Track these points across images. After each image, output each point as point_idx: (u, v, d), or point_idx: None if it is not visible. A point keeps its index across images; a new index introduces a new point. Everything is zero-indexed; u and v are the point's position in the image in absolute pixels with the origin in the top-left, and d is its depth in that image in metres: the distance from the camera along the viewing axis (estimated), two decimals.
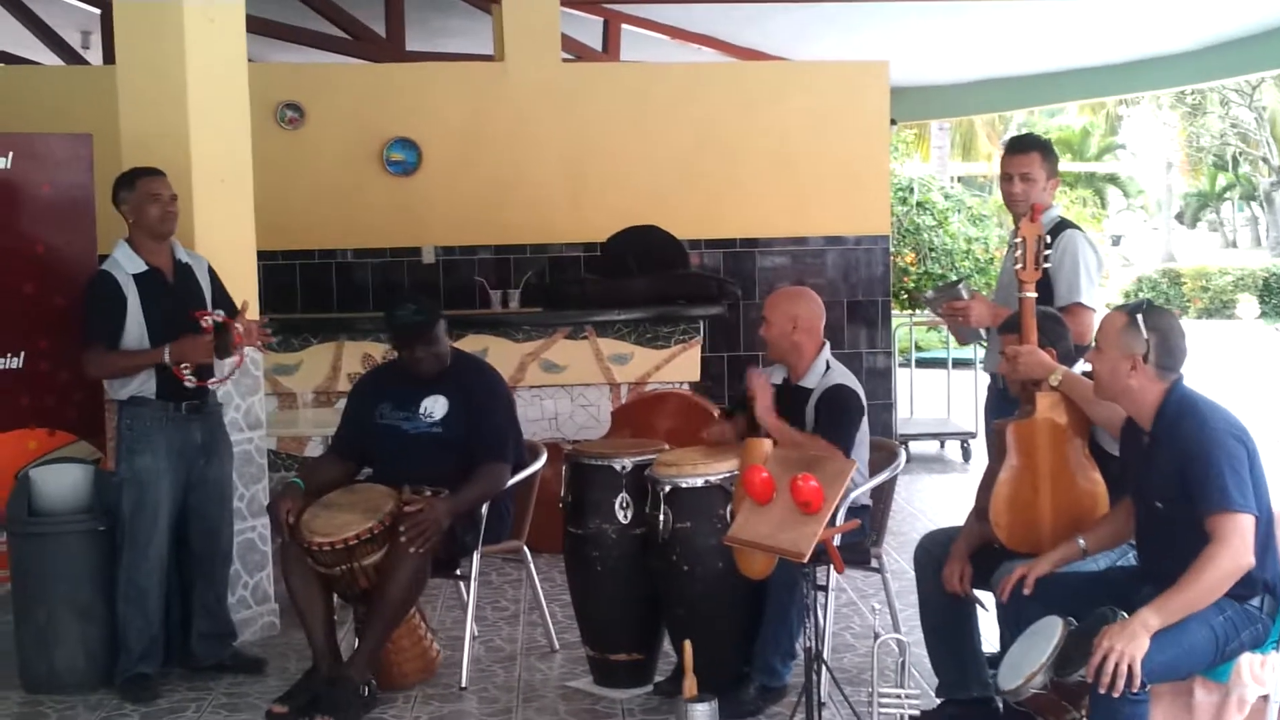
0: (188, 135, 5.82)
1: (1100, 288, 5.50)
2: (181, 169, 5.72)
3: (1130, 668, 3.64)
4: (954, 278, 14.12)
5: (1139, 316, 4.00)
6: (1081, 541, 4.25)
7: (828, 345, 5.38)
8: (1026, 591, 4.13)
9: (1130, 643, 3.68)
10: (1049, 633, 3.94)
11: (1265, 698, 3.88)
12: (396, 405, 5.49)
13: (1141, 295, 24.67)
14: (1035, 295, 4.59)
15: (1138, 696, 3.73)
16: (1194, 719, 3.97)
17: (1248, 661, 3.87)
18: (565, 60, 10.48)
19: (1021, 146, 5.45)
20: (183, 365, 5.30)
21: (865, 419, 5.29)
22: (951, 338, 10.69)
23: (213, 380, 5.49)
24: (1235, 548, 3.75)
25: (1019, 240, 4.66)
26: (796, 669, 4.93)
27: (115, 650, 5.43)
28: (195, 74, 5.85)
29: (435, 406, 5.46)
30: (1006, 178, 5.40)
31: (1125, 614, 3.85)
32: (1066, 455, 4.43)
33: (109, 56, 9.24)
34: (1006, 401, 4.85)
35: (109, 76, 6.10)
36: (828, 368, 5.32)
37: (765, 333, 5.39)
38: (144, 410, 5.41)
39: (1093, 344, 5.07)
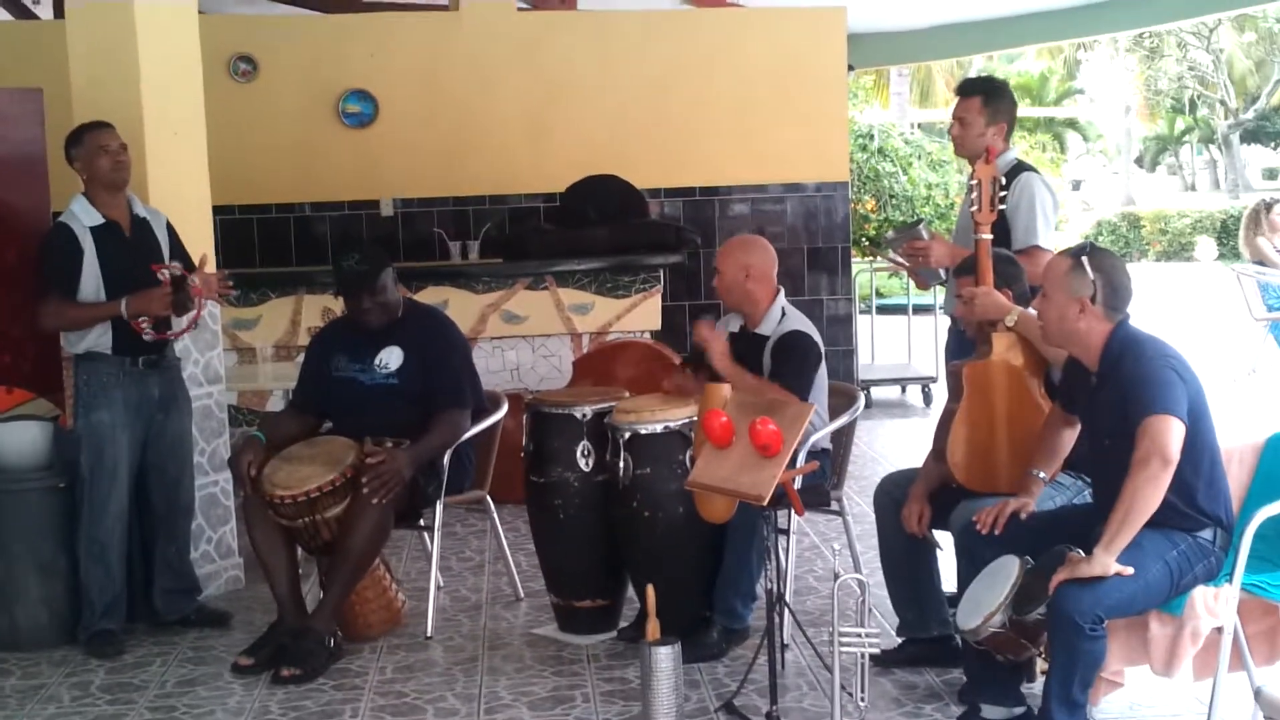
0: (139, 88, 5.77)
1: (1057, 230, 5.54)
2: (133, 122, 5.67)
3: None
4: (914, 219, 14.15)
5: (1084, 259, 4.04)
6: (1042, 474, 4.30)
7: (782, 292, 5.39)
8: (998, 532, 4.17)
9: (1080, 563, 3.81)
10: (1006, 572, 3.98)
11: (1219, 630, 3.93)
12: (352, 358, 5.48)
13: (1101, 239, 24.82)
14: (991, 237, 4.62)
15: (1095, 632, 3.79)
16: (1149, 652, 4.03)
17: (1201, 595, 3.92)
18: (521, 9, 10.41)
19: (961, 90, 5.53)
20: (140, 318, 5.27)
21: (824, 364, 5.31)
22: (912, 283, 10.77)
23: (171, 333, 5.47)
24: (1153, 450, 3.80)
25: (975, 183, 4.68)
26: (759, 611, 4.97)
27: (78, 607, 5.43)
28: (145, 26, 5.79)
29: (390, 358, 5.44)
30: (952, 119, 5.46)
31: (1081, 551, 3.91)
32: (1022, 395, 4.47)
33: (59, 11, 9.12)
34: (966, 344, 4.88)
35: (59, 31, 6.04)
36: (783, 315, 5.33)
37: (718, 283, 5.40)
38: (100, 365, 5.39)
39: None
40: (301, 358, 5.94)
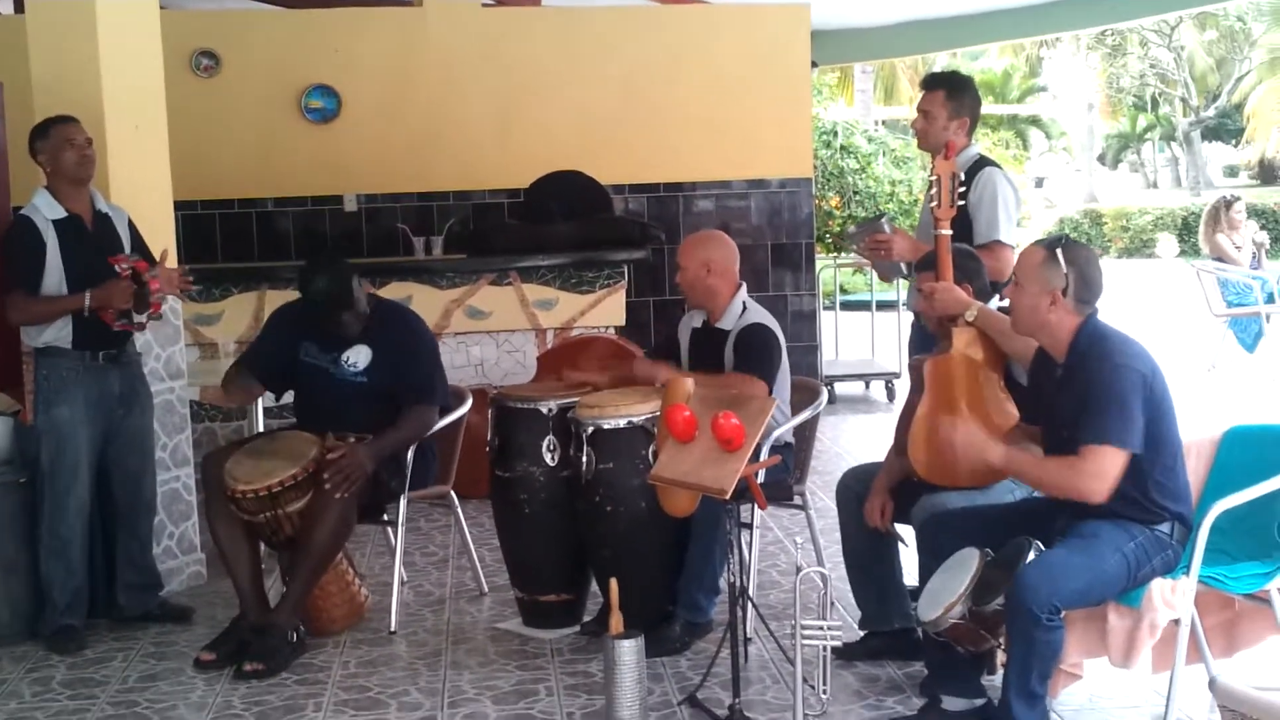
0: (99, 83, 5.74)
1: (1019, 226, 5.58)
2: (94, 116, 5.64)
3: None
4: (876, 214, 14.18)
5: (1058, 251, 4.06)
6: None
7: (744, 287, 5.41)
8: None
9: (981, 446, 4.04)
10: (966, 564, 4.01)
11: (1176, 622, 3.96)
12: (322, 348, 5.46)
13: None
14: (950, 233, 4.64)
15: (1052, 623, 3.82)
16: (1108, 644, 4.06)
17: (1159, 587, 3.95)
18: (486, 5, 10.40)
19: (926, 84, 5.59)
20: (106, 310, 5.25)
21: (785, 358, 5.34)
22: (875, 279, 10.82)
23: (137, 321, 5.43)
24: (1088, 475, 3.89)
25: (934, 178, 4.71)
26: (721, 605, 4.99)
27: (40, 603, 5.41)
28: (106, 21, 5.76)
29: (358, 356, 5.43)
30: (916, 113, 5.50)
31: (1041, 544, 3.94)
32: (982, 389, 4.49)
33: (19, 5, 9.06)
34: (929, 339, 4.90)
35: (19, 25, 6.00)
36: (744, 309, 5.35)
37: (680, 279, 5.42)
38: (60, 361, 5.36)
39: (1008, 279, 5.17)
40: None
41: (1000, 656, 4.21)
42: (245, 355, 5.74)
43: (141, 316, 5.40)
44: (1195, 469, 4.30)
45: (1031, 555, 3.89)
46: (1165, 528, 4.01)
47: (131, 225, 5.57)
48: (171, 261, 5.54)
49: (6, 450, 5.50)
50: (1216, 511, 3.94)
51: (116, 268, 5.28)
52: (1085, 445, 3.89)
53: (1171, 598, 3.94)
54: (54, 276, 5.30)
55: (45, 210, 5.33)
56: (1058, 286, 4.03)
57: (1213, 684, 3.24)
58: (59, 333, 5.34)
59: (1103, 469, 3.87)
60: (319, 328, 5.46)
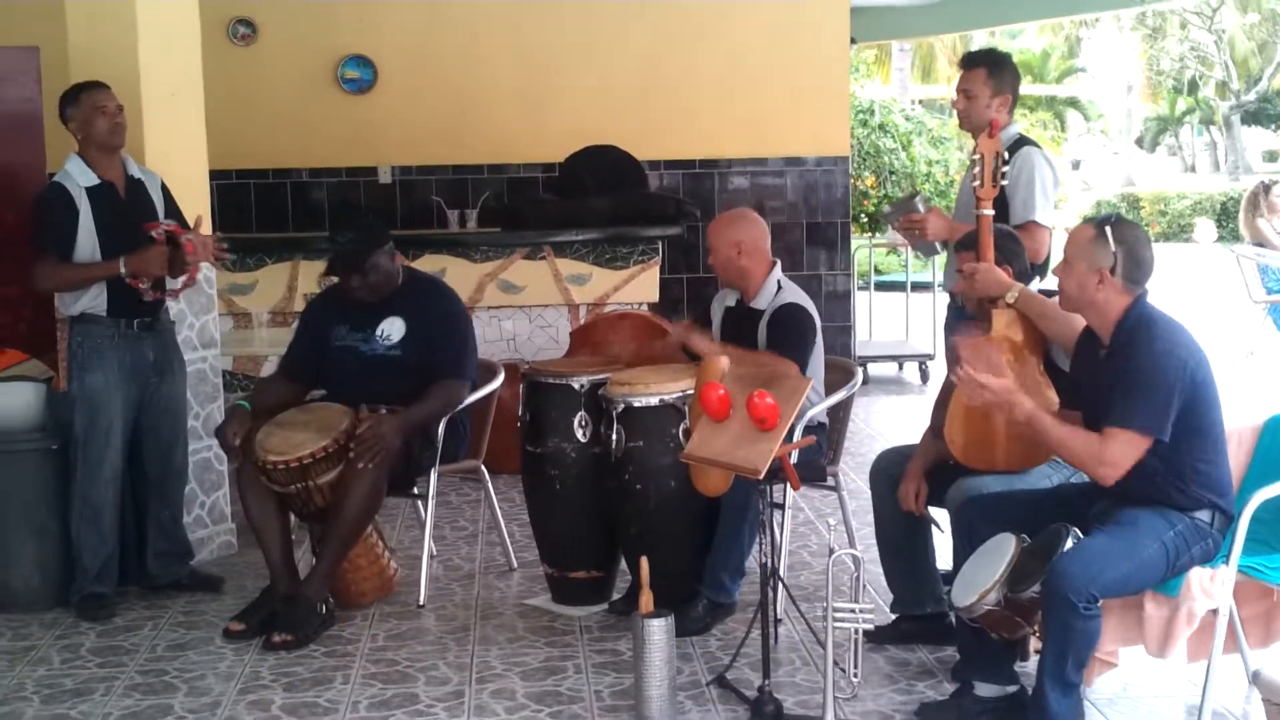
0: (136, 48, 5.73)
1: (1056, 208, 5.51)
2: (130, 82, 5.63)
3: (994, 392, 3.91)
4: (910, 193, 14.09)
5: (1107, 229, 4.00)
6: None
7: (778, 265, 5.36)
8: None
9: (1014, 399, 3.91)
10: (1002, 550, 3.97)
11: (1214, 611, 3.92)
12: (354, 327, 5.42)
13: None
14: (992, 213, 4.58)
15: (1089, 611, 3.77)
16: (1144, 632, 4.02)
17: (1197, 576, 3.90)
18: None
19: (965, 62, 5.49)
20: (138, 278, 5.24)
21: (820, 338, 5.29)
22: (911, 258, 10.76)
23: (167, 292, 5.42)
24: (1105, 457, 3.85)
25: (977, 157, 4.65)
26: (748, 586, 4.96)
27: (71, 569, 5.42)
28: None
29: (393, 329, 5.39)
30: (957, 93, 5.42)
31: (1079, 530, 3.89)
32: (1022, 372, 4.43)
33: None
34: (965, 320, 4.85)
35: None
36: (779, 288, 5.30)
37: (712, 261, 5.37)
38: (95, 328, 5.35)
39: (1043, 261, 5.12)
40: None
41: (1033, 643, 4.18)
42: (282, 364, 5.66)
43: (176, 283, 5.39)
44: (1236, 457, 4.24)
45: (1070, 542, 3.84)
46: (1205, 516, 3.96)
47: (165, 190, 5.56)
48: (206, 228, 5.52)
49: (39, 417, 5.50)
50: (1257, 501, 3.90)
51: (152, 233, 5.27)
52: (1109, 426, 3.85)
53: (1210, 587, 3.90)
54: (87, 243, 5.29)
55: (78, 177, 5.32)
56: (1105, 265, 3.96)
57: (1256, 676, 3.21)
58: (94, 300, 5.33)
59: (1120, 454, 3.83)
60: (350, 308, 5.42)
